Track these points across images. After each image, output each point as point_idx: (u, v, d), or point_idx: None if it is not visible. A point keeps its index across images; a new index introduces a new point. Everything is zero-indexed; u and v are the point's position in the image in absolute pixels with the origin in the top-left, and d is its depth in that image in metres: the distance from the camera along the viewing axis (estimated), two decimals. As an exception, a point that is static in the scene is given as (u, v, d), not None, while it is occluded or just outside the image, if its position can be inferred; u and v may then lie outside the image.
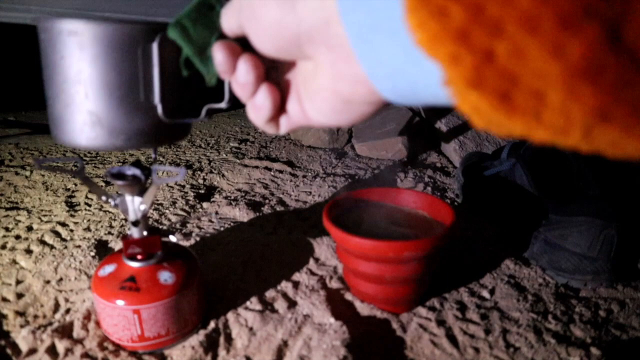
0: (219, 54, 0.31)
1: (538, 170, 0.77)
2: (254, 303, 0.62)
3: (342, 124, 0.30)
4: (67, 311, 0.61)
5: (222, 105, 0.40)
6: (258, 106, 0.32)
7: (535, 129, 0.17)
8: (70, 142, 0.44)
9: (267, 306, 0.62)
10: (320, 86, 0.29)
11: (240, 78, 0.31)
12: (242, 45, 0.32)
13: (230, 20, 0.31)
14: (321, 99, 0.29)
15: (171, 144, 0.51)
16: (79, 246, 0.75)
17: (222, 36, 0.33)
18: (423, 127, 1.18)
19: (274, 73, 0.32)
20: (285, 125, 0.33)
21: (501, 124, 0.18)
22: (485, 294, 0.65)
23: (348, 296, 0.64)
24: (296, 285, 0.66)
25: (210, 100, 0.43)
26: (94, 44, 0.39)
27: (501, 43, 0.16)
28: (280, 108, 0.33)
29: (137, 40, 0.39)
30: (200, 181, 1.01)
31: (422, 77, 0.21)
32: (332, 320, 0.58)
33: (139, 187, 0.51)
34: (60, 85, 0.41)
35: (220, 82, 0.35)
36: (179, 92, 0.44)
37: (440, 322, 0.59)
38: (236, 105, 0.40)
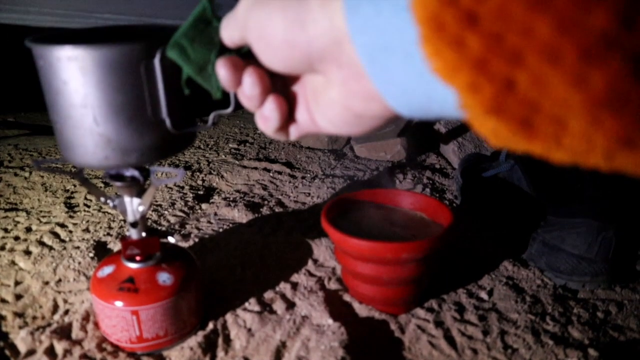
0: (222, 70, 0.30)
1: (536, 172, 0.78)
2: (252, 304, 0.62)
3: (353, 134, 0.30)
4: (66, 312, 0.61)
5: (228, 111, 0.40)
6: (266, 117, 0.32)
7: (555, 151, 0.17)
8: (82, 163, 0.44)
9: (266, 307, 0.62)
10: (331, 100, 0.28)
11: (247, 91, 0.31)
12: (243, 54, 0.31)
13: (232, 34, 0.30)
14: (332, 112, 0.29)
15: (181, 152, 0.51)
16: (77, 247, 0.75)
17: (222, 50, 0.32)
18: (422, 128, 1.18)
19: (281, 83, 0.32)
20: (294, 133, 0.33)
21: (519, 145, 0.18)
22: (484, 295, 0.65)
23: (346, 297, 0.64)
24: (295, 286, 0.66)
25: (216, 107, 0.43)
26: (97, 68, 0.39)
27: (522, 72, 0.16)
28: (288, 117, 0.32)
29: (139, 58, 0.39)
30: (199, 182, 1.01)
31: (438, 98, 0.21)
32: (330, 321, 0.58)
33: (138, 189, 0.51)
34: (67, 110, 0.41)
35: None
36: (185, 103, 0.44)
37: (439, 324, 0.60)
38: (236, 107, 0.40)
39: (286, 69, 0.28)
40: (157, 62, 0.39)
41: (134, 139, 0.42)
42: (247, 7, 0.28)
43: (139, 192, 0.52)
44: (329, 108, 0.29)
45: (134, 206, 0.52)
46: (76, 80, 0.39)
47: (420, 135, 1.17)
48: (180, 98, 0.43)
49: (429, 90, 0.21)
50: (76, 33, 0.48)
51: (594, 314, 0.62)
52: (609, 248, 0.66)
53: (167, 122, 0.42)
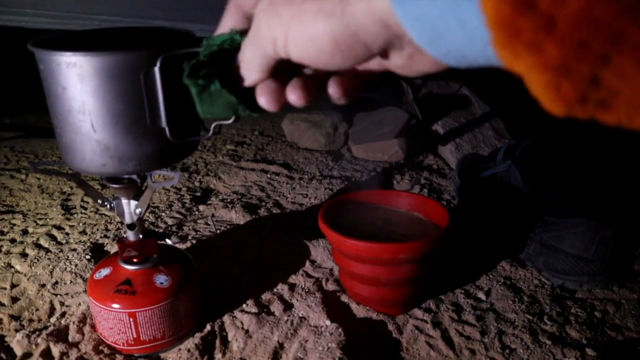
0: (263, 99, 0.30)
1: (533, 172, 0.78)
2: (250, 305, 0.62)
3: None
4: (63, 315, 0.61)
5: (230, 122, 0.40)
6: (334, 97, 0.31)
7: (631, 121, 0.17)
8: (80, 169, 0.44)
9: (263, 308, 0.62)
10: (397, 65, 0.28)
11: (297, 104, 0.30)
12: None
13: (266, 62, 0.29)
14: (400, 70, 0.29)
15: (180, 161, 0.51)
16: (74, 249, 0.75)
17: (234, 85, 0.32)
18: (419, 129, 1.18)
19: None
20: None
21: (588, 117, 0.17)
22: (481, 295, 0.65)
23: (344, 298, 0.64)
24: (292, 287, 0.66)
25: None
26: (95, 75, 0.38)
27: (607, 72, 0.15)
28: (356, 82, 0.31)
29: (139, 66, 0.39)
30: (197, 184, 1.01)
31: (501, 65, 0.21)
32: (328, 322, 0.58)
33: (135, 190, 0.51)
34: (66, 116, 0.41)
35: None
36: (185, 112, 0.44)
37: (436, 324, 0.59)
38: (237, 119, 0.40)
39: (347, 68, 0.28)
40: (157, 70, 0.39)
41: (132, 147, 0.42)
42: (277, 28, 0.26)
43: (136, 194, 0.51)
44: (396, 68, 0.29)
45: (131, 208, 0.52)
46: (74, 86, 0.39)
47: (417, 136, 1.17)
48: (180, 107, 0.42)
49: (494, 61, 0.21)
50: (80, 35, 0.48)
51: (592, 313, 0.62)
52: (606, 248, 0.66)
53: (167, 131, 0.42)
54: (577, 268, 0.66)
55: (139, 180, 0.50)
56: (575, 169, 0.71)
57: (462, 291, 0.66)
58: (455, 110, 1.19)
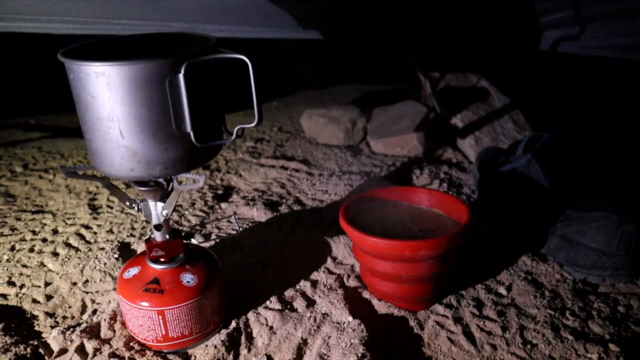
0: None
1: (554, 165, 0.77)
2: (273, 302, 0.63)
3: None
4: (94, 312, 0.63)
5: (253, 125, 0.42)
6: None
7: None
8: (109, 173, 0.46)
9: (287, 305, 0.63)
10: None
11: None
12: None
13: None
14: None
15: (205, 164, 0.54)
16: (102, 248, 0.77)
17: None
18: (438, 122, 1.18)
19: None
20: None
21: None
22: (502, 290, 0.65)
23: (365, 294, 0.65)
24: (314, 284, 0.67)
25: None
26: (123, 83, 0.40)
27: None
28: None
29: (164, 74, 0.40)
30: (218, 182, 1.03)
31: None
32: (350, 318, 0.59)
33: (162, 193, 0.53)
34: (95, 123, 0.43)
35: (249, 101, 0.36)
36: (209, 116, 0.46)
37: (457, 320, 0.60)
38: (259, 120, 0.42)
39: None
40: (181, 77, 0.40)
41: (158, 152, 0.43)
42: None
43: (163, 196, 0.53)
44: None
45: (158, 210, 0.53)
46: (103, 95, 0.40)
47: (436, 130, 1.16)
48: (204, 112, 0.44)
49: None
50: (106, 44, 0.49)
51: (615, 308, 0.62)
52: (630, 241, 0.65)
53: (192, 135, 0.43)
54: (599, 262, 0.66)
55: (165, 183, 0.52)
56: (599, 161, 0.70)
57: (483, 286, 0.66)
58: (474, 102, 1.18)
